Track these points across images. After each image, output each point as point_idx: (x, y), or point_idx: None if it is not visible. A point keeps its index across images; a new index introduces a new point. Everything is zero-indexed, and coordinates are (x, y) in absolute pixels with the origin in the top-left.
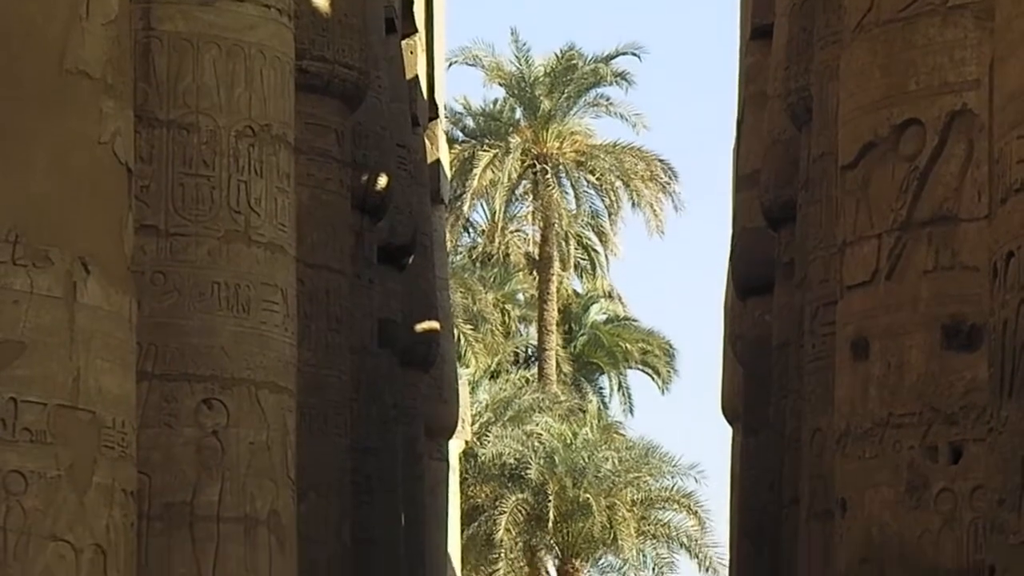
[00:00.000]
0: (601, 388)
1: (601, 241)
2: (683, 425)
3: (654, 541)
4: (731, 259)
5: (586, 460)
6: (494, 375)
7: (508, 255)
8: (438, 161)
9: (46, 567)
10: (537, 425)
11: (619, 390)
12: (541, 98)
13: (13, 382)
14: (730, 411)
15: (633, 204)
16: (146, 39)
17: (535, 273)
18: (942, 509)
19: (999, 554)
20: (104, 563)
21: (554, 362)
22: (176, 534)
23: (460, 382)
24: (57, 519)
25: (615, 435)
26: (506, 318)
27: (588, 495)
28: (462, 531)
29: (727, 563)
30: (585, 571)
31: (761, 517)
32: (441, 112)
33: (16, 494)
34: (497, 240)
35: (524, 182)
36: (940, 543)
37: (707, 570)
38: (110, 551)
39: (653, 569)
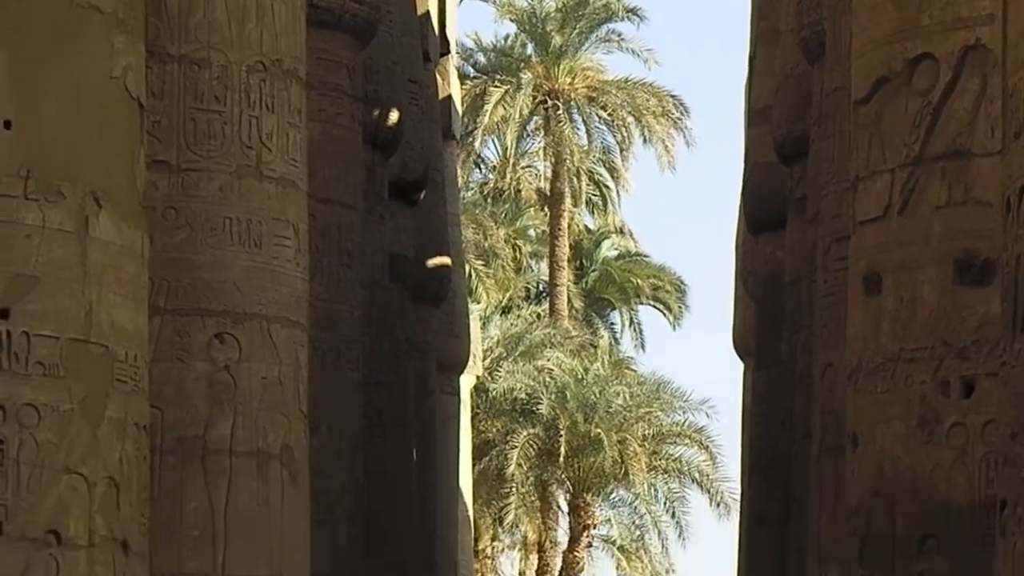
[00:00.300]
0: (612, 324)
1: (613, 177)
2: (694, 361)
3: (665, 476)
4: (743, 195)
5: (597, 395)
6: (505, 311)
7: (519, 191)
8: (449, 97)
9: (60, 499)
10: (548, 360)
11: (630, 326)
12: (553, 34)
13: (26, 316)
14: (742, 346)
15: (645, 140)
16: None
17: (546, 209)
18: (954, 444)
19: (1011, 488)
20: (117, 496)
21: (565, 298)
22: (188, 468)
23: (471, 317)
24: (70, 452)
25: (626, 370)
26: (517, 254)
27: (599, 430)
28: (473, 466)
29: (738, 498)
30: (596, 505)
31: (772, 452)
32: (453, 48)
33: (29, 427)
34: (508, 176)
35: (535, 118)
36: (952, 477)
37: (718, 505)
38: (123, 484)
39: (664, 504)
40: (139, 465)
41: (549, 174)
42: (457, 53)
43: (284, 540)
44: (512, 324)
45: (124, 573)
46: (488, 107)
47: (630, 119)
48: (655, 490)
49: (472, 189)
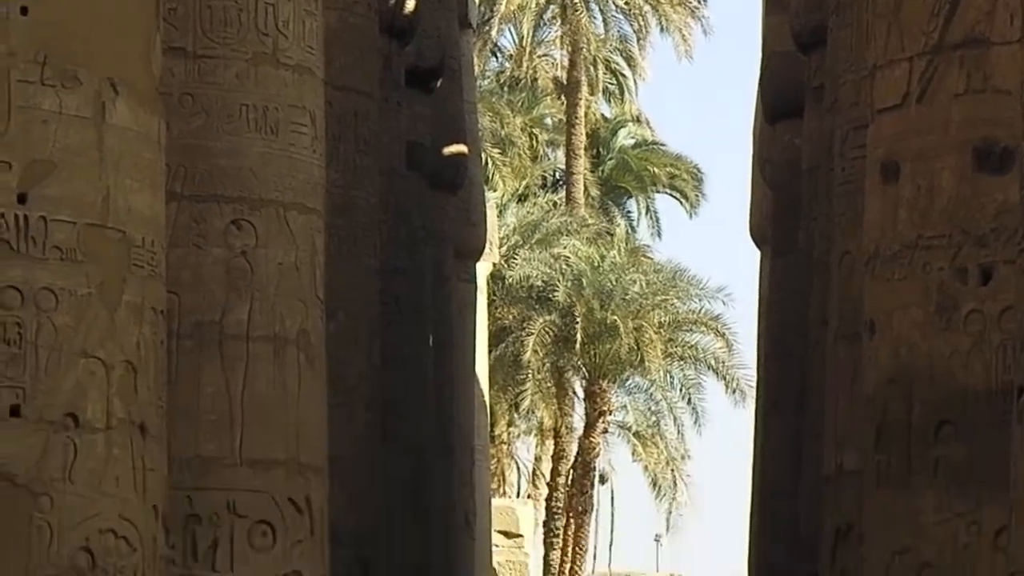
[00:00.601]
0: (629, 212)
1: (629, 65)
2: (710, 248)
3: (681, 363)
4: (760, 83)
5: (614, 283)
6: (522, 198)
7: (536, 80)
8: None
9: (77, 383)
10: (565, 248)
11: (647, 214)
12: None
13: (43, 201)
14: (758, 234)
15: (661, 28)
16: None
17: (563, 97)
18: (971, 330)
19: None
20: (134, 380)
21: (582, 186)
22: (205, 353)
23: (488, 205)
24: (88, 336)
25: (643, 258)
26: (534, 142)
27: (615, 317)
28: (490, 352)
29: (754, 384)
30: (612, 392)
31: (789, 339)
32: None
33: (47, 311)
34: (525, 65)
35: (552, 6)
36: (968, 364)
37: (734, 392)
38: (140, 368)
39: (680, 390)
40: (156, 349)
41: (566, 63)
42: None
43: (301, 424)
44: (528, 212)
45: (142, 456)
46: None
47: (647, 7)
48: (671, 377)
49: (488, 78)
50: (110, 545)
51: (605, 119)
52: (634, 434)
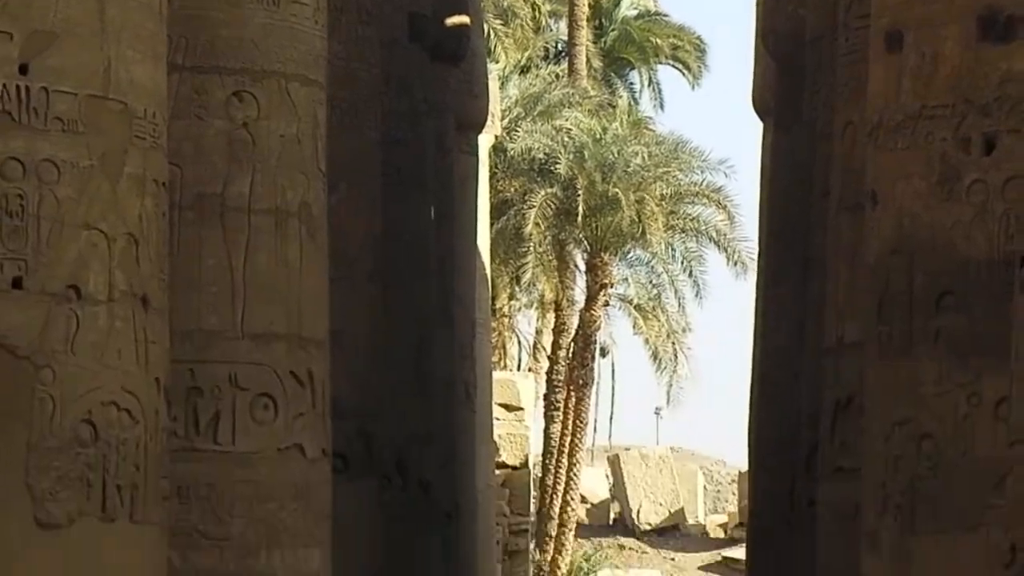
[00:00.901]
0: (631, 83)
1: None
2: (713, 120)
3: (683, 235)
4: None
5: (615, 155)
6: (524, 70)
7: None
8: None
9: (79, 255)
10: (567, 120)
11: (649, 85)
12: None
13: (44, 72)
14: (761, 105)
15: None
16: None
17: None
18: (974, 200)
19: None
20: (136, 251)
21: (584, 57)
22: (207, 225)
23: (490, 77)
24: (90, 208)
25: (645, 130)
26: (536, 13)
27: (617, 189)
28: (491, 225)
29: (755, 257)
30: (613, 264)
31: (791, 211)
32: None
33: (49, 183)
34: None
35: None
36: (971, 235)
37: (735, 264)
38: (142, 240)
39: (681, 263)
40: (158, 221)
41: None
42: None
43: (302, 297)
44: (531, 84)
45: (144, 328)
46: None
47: None
48: (672, 249)
49: None
50: (112, 417)
51: None
52: (635, 307)
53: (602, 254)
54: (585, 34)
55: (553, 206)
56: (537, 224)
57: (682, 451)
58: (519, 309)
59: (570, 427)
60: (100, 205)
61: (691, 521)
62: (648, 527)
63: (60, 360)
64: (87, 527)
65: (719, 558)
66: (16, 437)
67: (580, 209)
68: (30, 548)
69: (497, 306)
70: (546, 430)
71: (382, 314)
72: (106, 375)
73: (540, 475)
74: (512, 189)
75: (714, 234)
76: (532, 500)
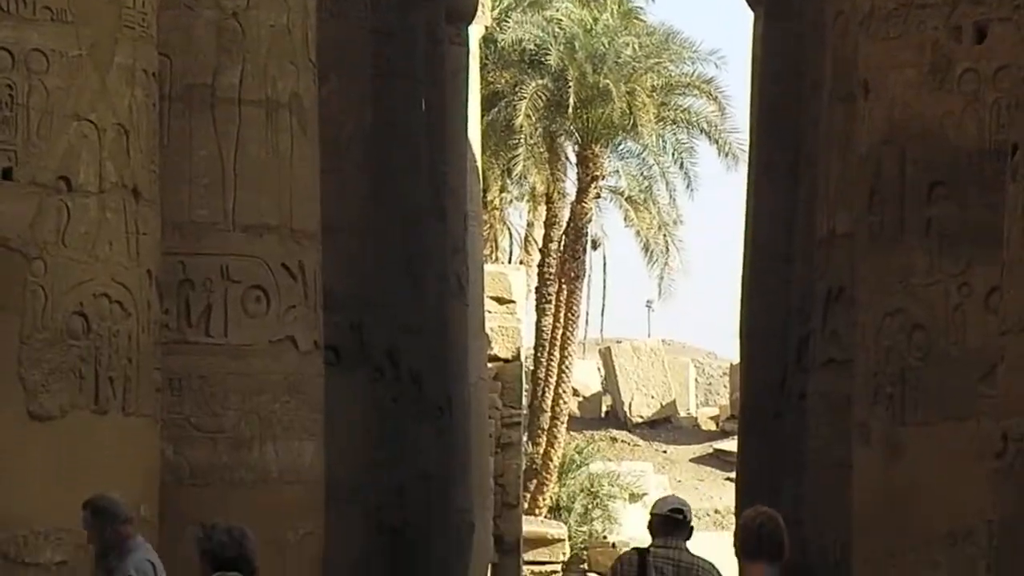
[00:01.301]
0: None
1: None
2: (704, 11)
3: (674, 127)
4: None
5: (606, 46)
6: None
7: None
8: None
9: (69, 146)
10: (557, 10)
11: None
12: None
13: None
14: None
15: None
16: None
17: None
18: (965, 89)
19: (1023, 132)
20: (127, 142)
21: None
22: (197, 116)
23: None
24: (80, 98)
25: (635, 21)
26: None
27: (608, 81)
28: (482, 116)
29: (747, 148)
30: (604, 156)
31: (782, 103)
32: None
33: (38, 73)
34: None
35: None
36: (962, 124)
37: (727, 156)
38: (132, 130)
39: (672, 155)
40: (148, 112)
41: None
42: None
43: (293, 188)
44: None
45: (135, 219)
46: None
47: None
48: (663, 141)
49: None
50: (104, 309)
51: None
52: (626, 199)
53: (593, 146)
54: None
55: (544, 98)
56: (528, 116)
57: (673, 344)
58: (510, 202)
59: (562, 320)
60: (90, 95)
61: (683, 414)
62: (640, 420)
63: (51, 251)
64: (79, 419)
65: (710, 450)
66: (8, 328)
67: (571, 101)
68: (23, 440)
69: (488, 198)
70: (538, 323)
71: (373, 206)
72: (97, 267)
73: (532, 368)
74: (503, 80)
75: (705, 126)
76: (524, 393)
